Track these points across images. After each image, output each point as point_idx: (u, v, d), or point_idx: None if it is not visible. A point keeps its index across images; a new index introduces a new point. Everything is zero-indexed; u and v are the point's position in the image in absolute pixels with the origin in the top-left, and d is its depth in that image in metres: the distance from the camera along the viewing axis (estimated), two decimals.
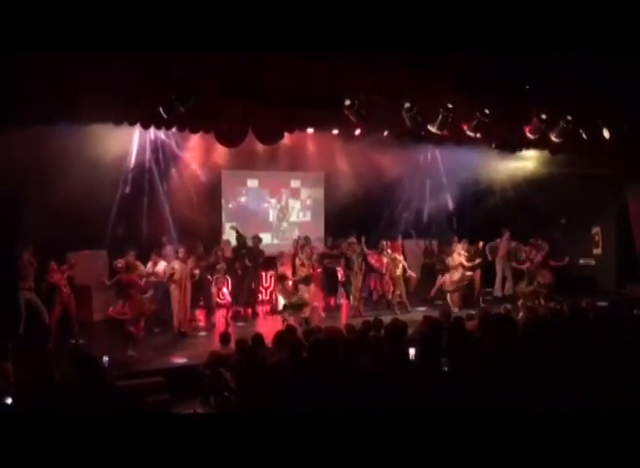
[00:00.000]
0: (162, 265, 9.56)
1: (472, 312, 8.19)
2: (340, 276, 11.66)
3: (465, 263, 11.10)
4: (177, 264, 9.45)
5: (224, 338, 6.90)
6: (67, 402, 4.06)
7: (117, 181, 10.27)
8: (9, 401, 4.37)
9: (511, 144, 10.57)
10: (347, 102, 8.13)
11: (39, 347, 8.18)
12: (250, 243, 10.99)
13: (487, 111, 8.93)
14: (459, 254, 11.15)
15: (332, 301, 11.69)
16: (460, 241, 11.71)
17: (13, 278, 8.46)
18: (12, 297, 8.48)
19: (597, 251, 13.45)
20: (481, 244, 11.72)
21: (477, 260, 11.45)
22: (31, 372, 4.74)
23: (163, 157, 10.92)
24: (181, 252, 9.55)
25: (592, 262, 13.43)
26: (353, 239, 11.02)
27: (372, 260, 11.04)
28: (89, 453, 3.07)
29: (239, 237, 10.89)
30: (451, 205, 13.46)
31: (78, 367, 4.62)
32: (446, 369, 5.08)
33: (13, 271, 8.51)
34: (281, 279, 9.73)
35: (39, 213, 8.11)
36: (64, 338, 8.69)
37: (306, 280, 10.17)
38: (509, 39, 6.40)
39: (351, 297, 10.88)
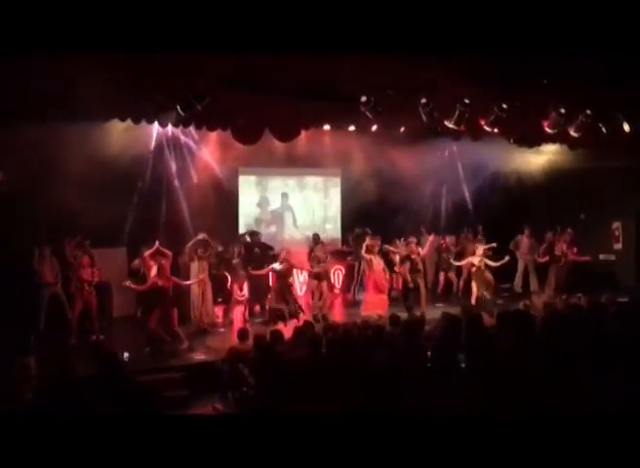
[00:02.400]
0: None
1: (490, 309, 8.16)
2: (357, 272, 11.66)
3: (492, 263, 10.85)
4: (196, 263, 9.52)
5: (242, 334, 6.93)
6: (88, 397, 4.11)
7: (136, 179, 10.37)
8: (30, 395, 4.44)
9: (529, 139, 10.46)
10: (363, 99, 8.11)
11: (61, 342, 8.29)
12: (247, 238, 11.01)
13: (504, 106, 8.85)
14: (475, 254, 10.93)
15: (350, 297, 11.68)
16: (475, 237, 11.63)
17: (36, 272, 8.58)
18: (35, 292, 8.62)
19: (618, 246, 13.26)
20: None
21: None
22: (53, 367, 4.80)
23: (180, 155, 11.00)
24: (201, 250, 9.61)
25: (613, 258, 13.24)
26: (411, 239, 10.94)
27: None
28: (109, 448, 3.10)
29: (252, 234, 10.95)
30: (469, 201, 13.37)
31: (99, 362, 4.67)
32: (463, 365, 5.04)
33: (37, 266, 8.64)
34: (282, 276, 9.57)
35: (59, 209, 8.22)
36: (85, 334, 8.80)
37: (319, 276, 10.21)
38: (527, 38, 6.37)
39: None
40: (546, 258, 11.41)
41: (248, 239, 10.96)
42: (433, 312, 9.11)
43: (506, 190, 13.08)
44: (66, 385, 4.36)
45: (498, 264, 10.46)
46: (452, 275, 12.02)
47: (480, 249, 10.56)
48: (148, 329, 8.19)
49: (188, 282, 9.26)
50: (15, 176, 8.11)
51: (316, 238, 10.84)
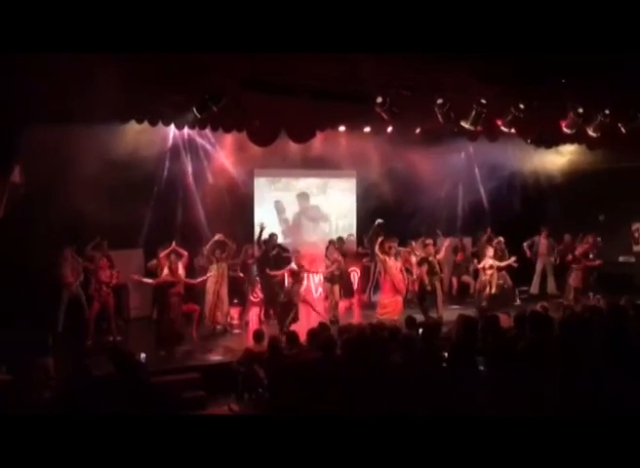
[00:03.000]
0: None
1: (507, 311, 8.10)
2: (372, 274, 11.65)
3: (498, 264, 10.79)
4: (214, 265, 9.56)
5: (258, 336, 6.95)
6: (105, 398, 4.15)
7: (152, 181, 10.45)
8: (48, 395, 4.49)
9: (547, 139, 10.37)
10: (379, 99, 8.07)
11: (78, 343, 8.38)
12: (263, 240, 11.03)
13: (521, 106, 8.76)
14: (489, 257, 10.84)
15: (365, 298, 11.66)
16: (490, 239, 11.55)
17: (56, 273, 8.68)
18: (54, 293, 8.72)
19: (637, 248, 13.09)
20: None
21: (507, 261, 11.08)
22: (70, 369, 4.85)
23: (196, 157, 11.06)
24: (218, 252, 9.65)
25: (632, 260, 13.07)
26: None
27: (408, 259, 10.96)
28: (126, 449, 3.12)
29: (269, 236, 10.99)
30: (486, 202, 13.28)
31: (116, 363, 4.72)
32: (481, 368, 5.01)
33: (56, 267, 8.74)
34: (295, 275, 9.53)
35: (76, 211, 8.30)
36: (102, 335, 8.88)
37: (332, 279, 10.20)
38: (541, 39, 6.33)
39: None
40: (566, 259, 11.28)
41: (264, 241, 10.98)
42: (449, 314, 9.08)
43: (524, 191, 12.99)
44: (84, 386, 4.39)
45: (504, 264, 10.46)
46: (467, 277, 11.95)
47: (490, 250, 10.51)
48: (160, 330, 8.26)
49: (198, 279, 9.27)
50: (33, 178, 8.21)
51: (340, 240, 10.89)
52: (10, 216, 7.45)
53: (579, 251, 11.24)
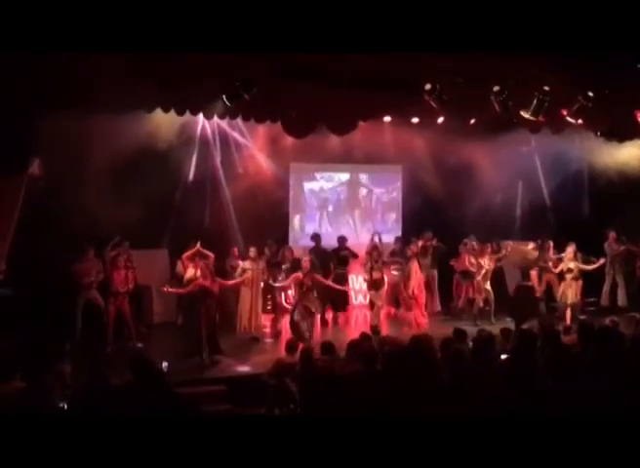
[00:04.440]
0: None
1: (569, 324, 7.91)
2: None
3: (583, 267, 10.51)
4: (247, 264, 9.62)
5: (291, 346, 6.95)
6: (123, 408, 4.20)
7: (178, 176, 10.60)
8: (64, 405, 4.58)
9: (619, 132, 10.13)
10: (428, 87, 8.01)
11: (97, 350, 8.54)
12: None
13: (590, 94, 8.56)
14: (569, 258, 10.59)
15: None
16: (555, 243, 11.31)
17: (77, 274, 8.88)
18: (72, 297, 8.91)
19: None
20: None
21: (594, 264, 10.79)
22: (88, 376, 4.94)
23: (227, 150, 11.17)
24: (253, 251, 9.69)
25: None
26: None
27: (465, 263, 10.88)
28: (142, 461, 3.18)
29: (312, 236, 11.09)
30: (548, 202, 13.02)
31: (134, 371, 4.77)
32: (538, 388, 4.89)
33: (78, 267, 8.93)
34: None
35: (97, 207, 8.46)
36: (124, 342, 9.04)
37: (376, 284, 10.14)
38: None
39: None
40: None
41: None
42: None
43: (592, 190, 12.68)
44: (100, 395, 4.46)
45: (591, 268, 10.38)
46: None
47: (570, 250, 10.26)
48: (194, 336, 8.32)
49: (232, 281, 9.33)
50: (53, 171, 8.42)
51: (375, 242, 10.80)
52: (28, 212, 7.65)
53: None
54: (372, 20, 6.27)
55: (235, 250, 10.20)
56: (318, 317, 9.69)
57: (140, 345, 9.06)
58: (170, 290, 8.92)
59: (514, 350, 5.48)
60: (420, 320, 10.06)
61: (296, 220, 12.61)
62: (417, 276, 10.18)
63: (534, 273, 10.87)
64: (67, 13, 5.60)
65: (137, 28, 5.84)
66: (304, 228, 12.56)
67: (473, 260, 10.75)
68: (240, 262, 9.76)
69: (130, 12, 5.70)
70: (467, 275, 11.05)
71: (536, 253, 10.66)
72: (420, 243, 11.03)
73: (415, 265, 10.05)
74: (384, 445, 3.67)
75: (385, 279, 10.30)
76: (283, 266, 10.25)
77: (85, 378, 4.96)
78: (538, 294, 11.04)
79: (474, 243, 11.00)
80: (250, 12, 5.96)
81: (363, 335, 6.69)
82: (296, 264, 9.70)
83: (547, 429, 3.86)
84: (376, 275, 10.18)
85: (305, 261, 9.03)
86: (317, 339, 8.99)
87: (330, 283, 9.54)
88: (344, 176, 13.01)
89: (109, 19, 5.71)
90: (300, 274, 8.98)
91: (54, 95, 6.76)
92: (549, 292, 11.39)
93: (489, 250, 10.81)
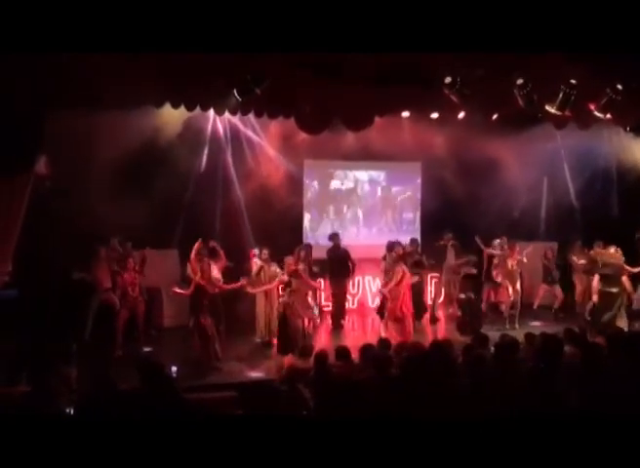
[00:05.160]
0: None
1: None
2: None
3: (630, 269, 10.33)
4: (260, 265, 9.67)
5: (304, 351, 6.97)
6: (130, 413, 4.24)
7: (188, 173, 10.66)
8: (70, 410, 4.62)
9: None
10: (448, 80, 7.98)
11: (106, 353, 8.61)
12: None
13: (619, 87, 8.48)
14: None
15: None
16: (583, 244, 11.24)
17: (90, 276, 8.96)
18: (82, 299, 9.00)
19: None
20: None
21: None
22: (94, 379, 4.99)
23: (239, 147, 11.21)
24: (265, 253, 9.71)
25: None
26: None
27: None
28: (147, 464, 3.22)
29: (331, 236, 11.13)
30: (575, 200, 12.93)
31: (142, 376, 4.81)
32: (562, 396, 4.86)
33: (87, 269, 9.02)
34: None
35: (105, 209, 8.54)
36: (134, 345, 9.11)
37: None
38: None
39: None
40: None
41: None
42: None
43: (621, 189, 12.56)
44: (107, 400, 4.50)
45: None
46: (557, 289, 11.61)
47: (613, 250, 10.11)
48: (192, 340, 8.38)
49: (232, 285, 9.14)
50: (61, 170, 8.50)
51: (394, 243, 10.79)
52: (34, 212, 7.72)
53: None
54: (389, 20, 6.34)
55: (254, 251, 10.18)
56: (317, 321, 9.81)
57: (147, 349, 9.12)
58: (177, 291, 8.96)
59: (538, 356, 5.45)
60: (410, 329, 9.37)
61: (310, 220, 12.63)
62: (404, 281, 9.40)
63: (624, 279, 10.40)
64: (69, 13, 5.73)
65: (145, 28, 5.96)
66: (319, 228, 12.59)
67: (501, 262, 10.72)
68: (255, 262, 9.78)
69: (136, 12, 5.81)
70: (489, 278, 11.03)
71: (621, 258, 10.37)
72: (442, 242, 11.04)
73: (400, 269, 9.36)
74: (400, 449, 3.75)
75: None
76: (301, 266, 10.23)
77: (92, 382, 5.01)
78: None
79: (505, 244, 10.94)
80: (262, 10, 6.05)
81: (381, 341, 6.68)
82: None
83: (571, 434, 3.89)
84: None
85: (289, 263, 8.96)
86: (330, 344, 9.05)
87: (315, 285, 9.56)
88: (360, 174, 13.00)
89: (114, 18, 5.83)
90: (284, 276, 8.95)
91: (59, 92, 6.84)
92: None
93: (517, 250, 10.76)
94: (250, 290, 9.36)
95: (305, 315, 9.03)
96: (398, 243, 10.03)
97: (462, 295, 10.74)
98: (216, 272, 8.90)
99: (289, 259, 9.04)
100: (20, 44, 5.82)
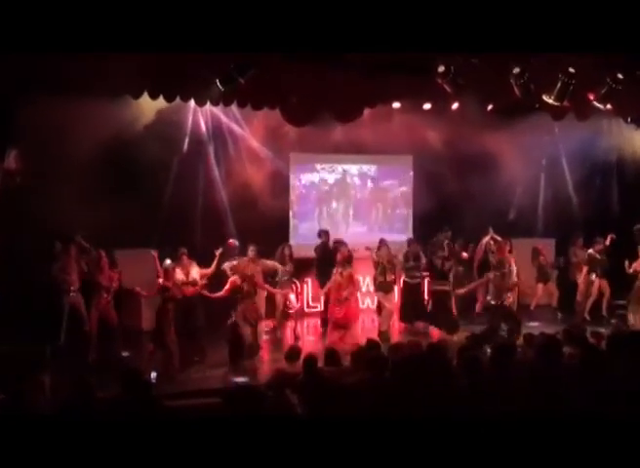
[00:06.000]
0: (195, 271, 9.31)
1: (600, 330, 7.89)
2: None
3: None
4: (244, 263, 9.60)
5: (292, 354, 6.93)
6: (108, 421, 4.21)
7: (168, 168, 10.62)
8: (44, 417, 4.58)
9: None
10: (441, 69, 7.99)
11: (80, 358, 8.55)
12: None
13: (620, 76, 8.54)
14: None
15: None
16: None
17: (60, 276, 8.89)
18: (53, 300, 8.92)
19: None
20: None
21: None
22: (69, 386, 4.94)
23: (221, 140, 11.18)
24: (252, 250, 9.65)
25: None
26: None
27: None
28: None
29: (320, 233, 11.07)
30: (573, 195, 13.01)
31: (121, 382, 4.78)
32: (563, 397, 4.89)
33: (60, 268, 8.94)
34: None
35: (79, 205, 8.47)
36: (110, 349, 9.04)
37: (387, 287, 10.14)
38: None
39: None
40: None
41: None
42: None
43: (622, 183, 12.66)
44: (83, 407, 4.47)
45: None
46: (552, 286, 11.71)
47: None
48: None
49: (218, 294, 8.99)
50: (31, 165, 8.43)
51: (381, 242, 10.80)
52: (2, 209, 7.67)
53: None
54: (385, 20, 6.39)
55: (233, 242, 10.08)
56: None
57: (125, 354, 9.06)
58: (138, 290, 8.95)
59: (537, 356, 5.48)
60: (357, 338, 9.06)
61: (296, 216, 12.62)
62: (346, 287, 9.23)
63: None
64: (47, 11, 5.71)
65: (124, 27, 5.96)
66: (305, 224, 12.59)
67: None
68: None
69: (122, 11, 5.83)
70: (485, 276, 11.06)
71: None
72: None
73: (338, 273, 9.22)
74: (394, 451, 3.82)
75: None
76: (285, 267, 10.23)
77: (67, 389, 4.97)
78: None
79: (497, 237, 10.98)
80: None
81: (370, 342, 6.67)
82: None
83: (572, 434, 3.93)
84: (390, 277, 10.21)
85: (244, 264, 8.87)
86: (317, 346, 9.05)
87: (270, 288, 9.51)
88: (349, 168, 13.00)
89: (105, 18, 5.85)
90: (236, 278, 8.82)
91: (30, 80, 6.79)
92: None
93: (508, 247, 10.77)
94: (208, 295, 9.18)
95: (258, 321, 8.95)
96: (343, 243, 10.08)
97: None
98: (196, 274, 8.91)
99: (242, 261, 8.93)
100: None
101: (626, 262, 10.88)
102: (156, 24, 5.97)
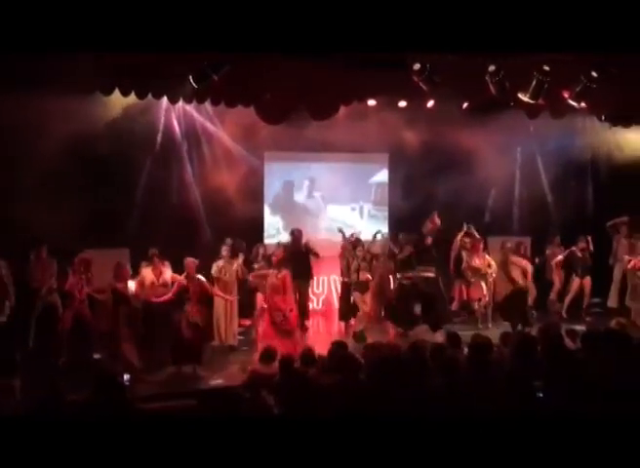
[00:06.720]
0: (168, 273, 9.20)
1: (576, 328, 8.00)
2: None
3: None
4: (221, 263, 9.58)
5: (268, 354, 6.93)
6: (80, 425, 4.17)
7: (140, 166, 10.53)
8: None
9: (627, 116, 10.22)
10: (417, 66, 8.02)
11: (51, 361, 8.45)
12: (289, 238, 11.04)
13: (594, 74, 8.63)
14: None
15: None
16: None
17: (30, 277, 8.78)
18: (24, 302, 8.82)
19: None
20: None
21: None
22: (40, 390, 4.89)
23: (194, 138, 11.13)
24: (226, 249, 9.61)
25: None
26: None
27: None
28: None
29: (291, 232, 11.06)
30: (548, 194, 13.13)
31: (93, 385, 4.74)
32: (540, 395, 4.95)
33: (27, 272, 8.83)
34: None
35: (49, 204, 8.38)
36: (82, 352, 8.94)
37: (362, 286, 10.15)
38: None
39: None
40: None
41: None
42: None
43: (597, 181, 12.81)
44: (54, 411, 4.42)
45: None
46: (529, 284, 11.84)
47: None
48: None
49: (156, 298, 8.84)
50: None
51: (356, 238, 10.79)
52: None
53: None
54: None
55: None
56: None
57: (97, 356, 8.97)
58: (91, 293, 8.77)
59: (512, 355, 5.54)
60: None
61: (271, 214, 12.61)
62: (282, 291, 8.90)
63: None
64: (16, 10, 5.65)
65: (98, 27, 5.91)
66: (280, 223, 12.59)
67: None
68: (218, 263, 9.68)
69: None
70: (461, 273, 11.13)
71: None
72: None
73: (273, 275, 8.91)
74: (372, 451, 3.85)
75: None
76: (257, 266, 10.21)
77: (37, 393, 4.91)
78: None
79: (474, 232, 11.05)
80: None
81: (334, 344, 6.62)
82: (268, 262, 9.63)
83: (550, 433, 3.97)
84: (362, 276, 10.21)
85: (190, 264, 8.78)
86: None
87: (217, 292, 9.39)
88: (324, 166, 13.00)
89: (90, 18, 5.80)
90: (182, 279, 8.74)
91: None
92: None
93: (481, 246, 10.87)
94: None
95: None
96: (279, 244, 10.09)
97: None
98: (168, 276, 8.90)
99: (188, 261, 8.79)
100: None
101: (611, 258, 11.06)
102: (131, 24, 5.90)
